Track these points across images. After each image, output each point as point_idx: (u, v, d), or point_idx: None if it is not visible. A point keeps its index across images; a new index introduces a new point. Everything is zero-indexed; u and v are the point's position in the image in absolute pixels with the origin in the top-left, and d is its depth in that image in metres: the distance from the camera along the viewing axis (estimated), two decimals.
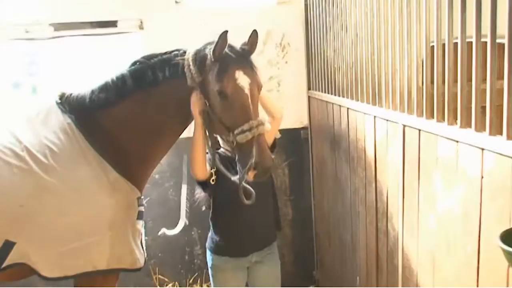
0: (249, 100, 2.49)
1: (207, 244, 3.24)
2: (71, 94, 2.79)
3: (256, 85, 2.57)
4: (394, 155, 2.64)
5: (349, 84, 3.28)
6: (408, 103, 2.46)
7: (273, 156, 2.58)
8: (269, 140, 3.03)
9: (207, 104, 2.56)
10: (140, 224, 2.74)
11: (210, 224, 3.19)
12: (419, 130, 2.33)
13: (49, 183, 2.50)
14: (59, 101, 2.77)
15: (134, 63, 2.73)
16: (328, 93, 3.74)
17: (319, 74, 3.97)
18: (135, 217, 2.69)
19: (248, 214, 3.11)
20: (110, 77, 2.73)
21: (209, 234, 3.22)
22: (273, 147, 3.04)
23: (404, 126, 2.48)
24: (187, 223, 3.05)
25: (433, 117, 2.22)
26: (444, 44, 2.08)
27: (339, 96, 3.50)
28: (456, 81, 2.01)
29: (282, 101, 4.37)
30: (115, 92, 2.69)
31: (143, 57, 2.73)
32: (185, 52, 2.66)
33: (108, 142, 2.67)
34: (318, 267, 4.56)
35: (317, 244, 4.55)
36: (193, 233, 4.51)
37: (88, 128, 2.68)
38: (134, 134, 2.70)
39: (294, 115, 4.40)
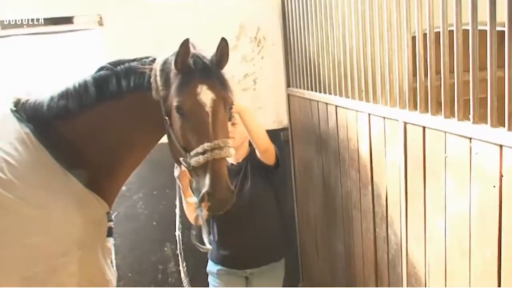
0: (210, 119, 2.34)
1: None
2: (27, 101, 2.65)
3: (222, 103, 2.42)
4: (393, 155, 2.62)
5: (337, 80, 3.25)
6: (410, 98, 2.44)
7: (232, 188, 2.34)
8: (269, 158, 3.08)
9: (168, 123, 2.44)
10: (110, 242, 2.67)
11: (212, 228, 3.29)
12: (424, 127, 2.31)
13: (8, 200, 2.36)
14: (14, 108, 2.63)
15: (100, 69, 2.63)
16: (312, 90, 3.71)
17: (300, 70, 3.93)
18: (105, 234, 2.61)
19: (245, 229, 3.14)
20: (71, 83, 2.62)
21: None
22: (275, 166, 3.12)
23: (406, 123, 2.46)
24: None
25: (440, 113, 2.20)
26: (452, 31, 2.06)
27: (325, 93, 3.47)
28: (467, 70, 1.99)
29: (259, 100, 4.33)
30: (77, 100, 2.58)
31: (110, 63, 2.63)
32: (154, 60, 2.55)
33: (72, 153, 2.57)
34: (304, 279, 4.52)
35: (302, 255, 4.51)
36: (166, 249, 4.40)
37: (48, 138, 2.56)
38: (99, 147, 2.61)
39: (272, 115, 4.36)
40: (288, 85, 4.26)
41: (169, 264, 4.43)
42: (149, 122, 2.57)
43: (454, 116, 2.11)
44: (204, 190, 2.28)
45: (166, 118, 2.45)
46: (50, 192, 2.46)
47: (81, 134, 2.58)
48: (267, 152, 3.18)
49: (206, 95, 2.37)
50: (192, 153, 2.33)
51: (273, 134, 4.38)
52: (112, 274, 2.61)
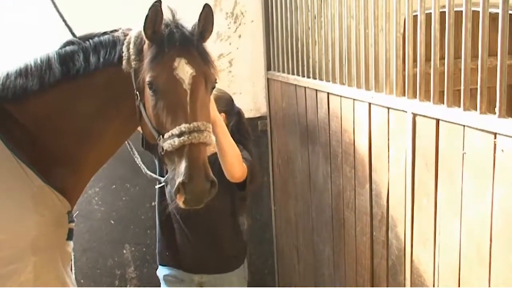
0: (188, 98, 2.25)
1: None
2: None
3: (203, 80, 2.31)
4: (398, 150, 2.60)
5: (330, 64, 3.21)
6: (421, 87, 2.41)
7: (213, 177, 2.21)
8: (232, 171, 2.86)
9: (138, 98, 2.36)
10: (71, 246, 2.59)
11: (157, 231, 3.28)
12: (438, 120, 2.29)
13: None
14: None
15: (66, 44, 2.52)
16: (297, 74, 3.66)
17: (283, 52, 3.88)
18: (64, 237, 2.52)
19: (195, 233, 3.15)
20: (32, 59, 2.50)
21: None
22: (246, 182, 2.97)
23: (415, 115, 2.43)
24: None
25: (458, 105, 2.18)
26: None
27: (314, 78, 3.43)
28: (494, 54, 1.96)
29: (234, 84, 4.26)
30: (38, 79, 2.47)
31: (79, 37, 2.54)
32: (129, 30, 2.47)
33: (28, 142, 2.47)
34: (280, 285, 4.50)
35: (279, 260, 4.48)
36: (125, 251, 4.31)
37: (0, 124, 2.45)
38: (61, 135, 2.52)
39: (249, 102, 4.30)
40: (269, 68, 4.20)
41: (128, 269, 4.34)
42: (122, 104, 2.47)
43: (475, 108, 2.09)
44: (179, 179, 2.14)
45: (137, 93, 2.35)
46: (1, 186, 2.35)
47: (41, 119, 2.48)
48: (234, 179, 2.91)
49: (184, 70, 2.26)
50: (166, 135, 2.22)
51: (249, 124, 4.36)
52: (72, 283, 2.54)
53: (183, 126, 2.18)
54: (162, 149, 2.24)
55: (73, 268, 2.70)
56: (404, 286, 2.64)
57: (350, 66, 2.98)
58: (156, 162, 3.15)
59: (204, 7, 2.33)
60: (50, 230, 2.43)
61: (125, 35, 2.45)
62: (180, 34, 2.31)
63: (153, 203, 4.22)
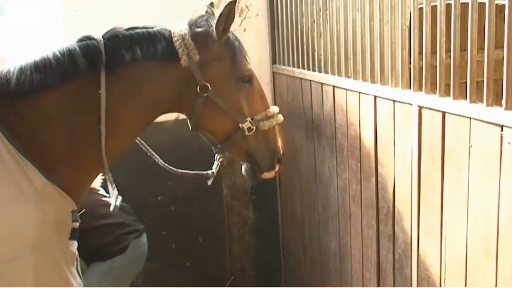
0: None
1: None
2: None
3: None
4: (403, 143, 2.59)
5: (335, 57, 3.20)
6: (427, 79, 2.41)
7: None
8: None
9: (209, 88, 2.49)
10: (75, 246, 2.50)
11: None
12: (444, 112, 2.29)
13: None
14: None
15: (85, 39, 2.48)
16: (303, 68, 3.65)
17: (289, 45, 3.86)
18: (67, 237, 2.45)
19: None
20: (49, 53, 2.44)
21: None
22: None
23: (421, 107, 2.43)
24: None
25: (465, 97, 2.17)
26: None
27: (320, 71, 3.42)
28: (501, 47, 1.96)
29: None
30: (59, 74, 2.41)
31: (103, 35, 2.50)
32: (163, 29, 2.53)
33: (34, 139, 2.40)
34: (288, 281, 4.50)
35: (285, 254, 4.48)
36: None
37: (4, 117, 2.42)
38: (74, 132, 2.47)
39: None
40: (274, 62, 4.19)
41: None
42: (150, 100, 2.51)
43: (482, 101, 2.08)
44: (280, 153, 2.65)
45: (207, 84, 2.48)
46: (2, 183, 2.28)
47: (53, 115, 2.43)
48: None
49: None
50: (258, 117, 2.56)
51: None
52: (78, 283, 2.47)
53: (272, 108, 2.65)
54: (255, 128, 2.56)
55: (79, 268, 2.56)
56: (411, 280, 2.64)
57: (356, 59, 2.98)
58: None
59: (229, 3, 2.43)
60: (52, 229, 2.37)
61: (167, 31, 2.49)
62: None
63: (159, 198, 4.26)
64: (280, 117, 2.64)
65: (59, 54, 2.42)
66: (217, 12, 2.48)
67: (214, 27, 2.46)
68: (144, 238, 3.39)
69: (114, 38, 2.47)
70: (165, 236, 4.35)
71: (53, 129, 2.45)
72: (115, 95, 2.45)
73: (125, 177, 4.09)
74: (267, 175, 2.69)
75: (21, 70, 2.41)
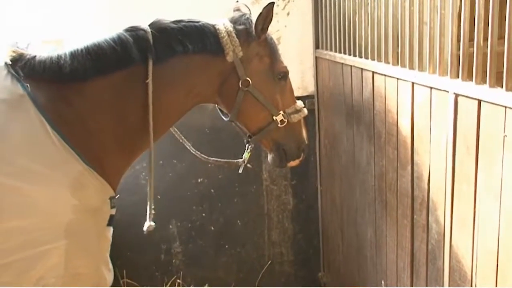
0: None
1: None
2: (34, 57, 2.48)
3: None
4: (439, 131, 2.54)
5: (375, 42, 3.16)
6: (464, 67, 2.35)
7: None
8: None
9: (250, 83, 2.71)
10: (110, 232, 2.55)
11: None
12: (479, 100, 2.23)
13: None
14: (10, 62, 2.49)
15: (135, 29, 2.58)
16: (345, 53, 3.62)
17: (331, 30, 3.84)
18: (104, 223, 2.49)
19: None
20: (100, 40, 2.52)
21: None
22: None
23: (457, 95, 2.37)
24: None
25: (501, 85, 2.11)
26: None
27: (360, 57, 3.39)
28: None
29: None
30: (110, 61, 2.50)
31: (150, 25, 2.61)
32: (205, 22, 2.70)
33: (79, 125, 2.45)
34: (325, 267, 4.51)
35: (324, 240, 4.48)
36: (171, 226, 4.42)
37: (52, 104, 2.43)
38: (121, 120, 2.54)
39: (297, 81, 4.28)
40: (317, 47, 4.17)
41: (173, 244, 4.45)
42: (195, 91, 2.68)
43: None
44: (305, 143, 2.95)
45: (248, 79, 2.69)
46: (41, 167, 2.31)
47: (103, 102, 2.50)
48: None
49: None
50: (289, 110, 2.84)
51: None
52: (108, 270, 2.52)
53: (300, 103, 2.92)
54: (287, 121, 2.82)
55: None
56: (443, 271, 2.61)
57: (395, 45, 2.93)
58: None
59: (268, 4, 2.63)
60: (87, 215, 2.39)
61: (212, 26, 2.67)
62: None
63: (199, 180, 4.33)
64: (305, 111, 2.92)
65: (112, 42, 2.51)
66: (255, 8, 2.63)
67: (253, 26, 2.68)
68: None
69: (164, 30, 2.59)
70: (204, 218, 4.43)
71: (100, 116, 2.50)
72: (161, 84, 2.55)
73: (166, 158, 4.21)
74: (292, 163, 2.94)
75: (73, 56, 2.47)
